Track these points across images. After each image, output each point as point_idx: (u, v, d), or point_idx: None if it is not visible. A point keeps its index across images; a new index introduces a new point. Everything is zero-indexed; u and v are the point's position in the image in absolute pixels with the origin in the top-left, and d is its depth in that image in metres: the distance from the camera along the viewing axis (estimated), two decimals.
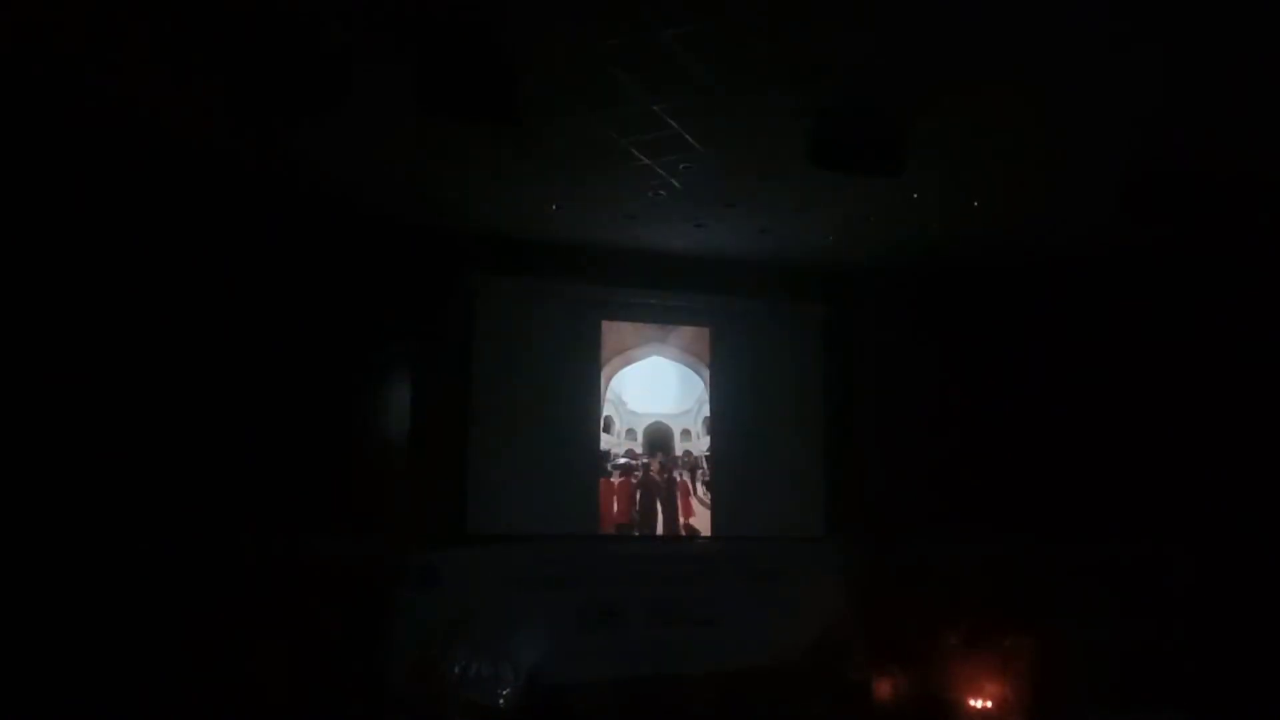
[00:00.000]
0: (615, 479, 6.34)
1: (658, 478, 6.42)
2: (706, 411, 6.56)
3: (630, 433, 6.44)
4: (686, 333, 6.62)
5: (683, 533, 6.44)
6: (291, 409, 5.34)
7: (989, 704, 5.68)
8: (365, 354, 5.72)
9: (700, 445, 6.52)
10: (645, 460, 6.43)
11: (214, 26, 3.31)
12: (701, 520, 6.46)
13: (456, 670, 5.46)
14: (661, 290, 6.43)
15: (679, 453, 6.51)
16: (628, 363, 6.51)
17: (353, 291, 5.64)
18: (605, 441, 6.35)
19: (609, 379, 6.43)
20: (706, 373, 6.61)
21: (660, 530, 6.40)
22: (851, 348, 6.74)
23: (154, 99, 3.97)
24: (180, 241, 5.08)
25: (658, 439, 6.49)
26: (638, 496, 6.38)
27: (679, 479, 6.48)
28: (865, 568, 6.31)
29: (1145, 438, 5.66)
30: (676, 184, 4.92)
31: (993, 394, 6.28)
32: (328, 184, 5.03)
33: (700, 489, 6.48)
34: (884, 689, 5.84)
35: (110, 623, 4.60)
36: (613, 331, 6.45)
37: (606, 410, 6.38)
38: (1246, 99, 3.79)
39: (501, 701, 5.47)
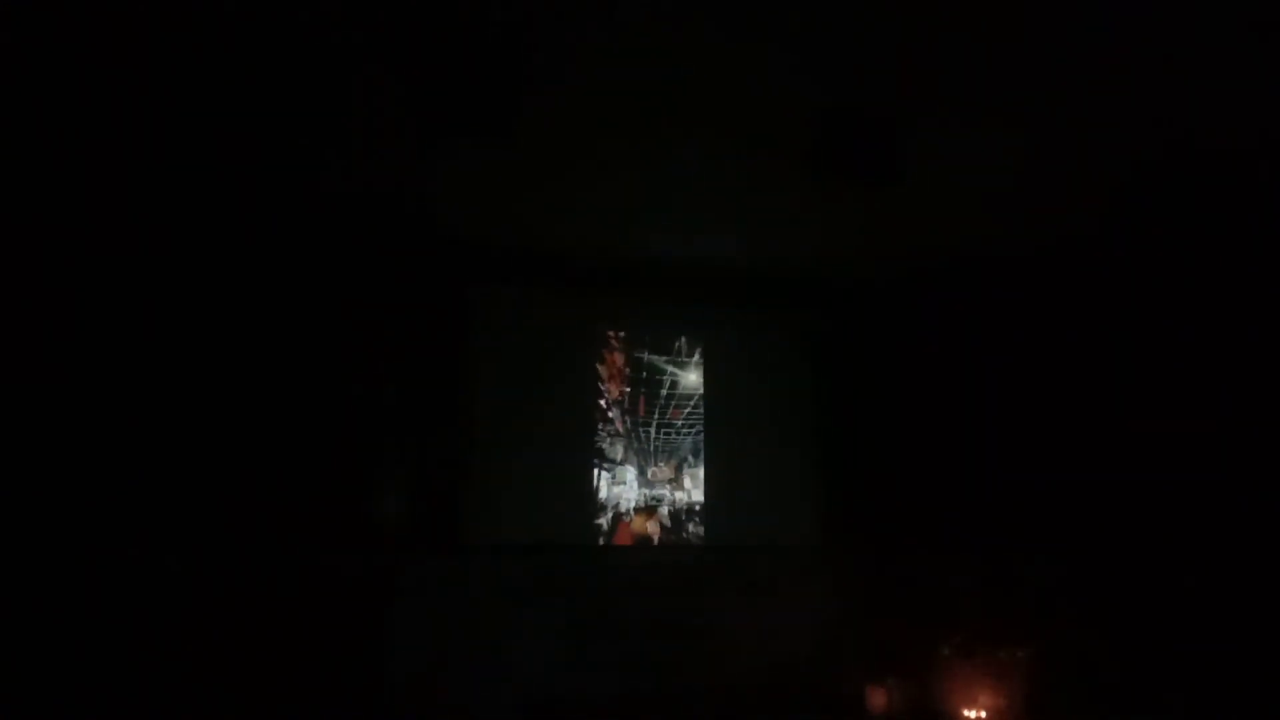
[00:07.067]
0: None
1: None
2: None
3: None
4: None
5: None
6: (284, 418, 5.30)
7: (983, 714, 5.66)
8: (359, 363, 5.70)
9: None
10: None
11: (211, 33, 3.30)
12: None
13: (449, 683, 5.42)
14: (656, 299, 6.44)
15: None
16: None
17: (347, 300, 5.62)
18: None
19: None
20: None
21: None
22: (845, 357, 6.75)
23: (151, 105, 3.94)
24: (179, 250, 5.07)
25: None
26: None
27: None
28: (859, 578, 6.31)
29: (1143, 447, 5.67)
30: (673, 193, 4.93)
31: (987, 403, 6.29)
32: (324, 191, 5.01)
33: None
34: (878, 699, 5.82)
35: (100, 635, 4.56)
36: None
37: None
38: (1242, 101, 3.82)
39: (495, 715, 5.44)
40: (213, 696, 4.73)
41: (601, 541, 6.21)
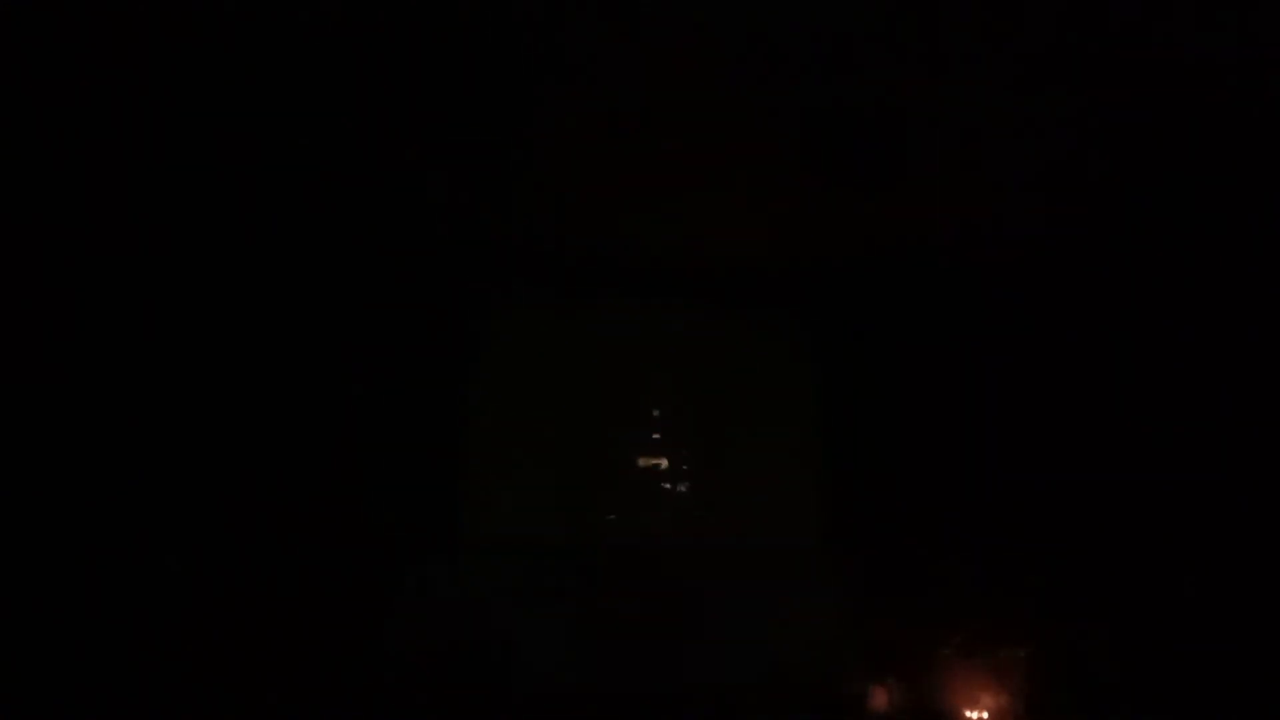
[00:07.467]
0: None
1: None
2: None
3: None
4: None
5: None
6: (283, 418, 5.30)
7: (983, 714, 5.66)
8: (359, 363, 5.70)
9: None
10: None
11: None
12: None
13: (449, 683, 5.42)
14: (656, 299, 6.44)
15: None
16: None
17: (347, 299, 5.62)
18: None
19: None
20: None
21: None
22: (846, 356, 6.75)
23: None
24: (178, 250, 5.07)
25: None
26: None
27: None
28: (859, 578, 6.30)
29: (1143, 447, 5.66)
30: (669, 189, 4.93)
31: (987, 403, 6.28)
32: (325, 191, 5.00)
33: None
34: (878, 699, 5.82)
35: (100, 635, 4.56)
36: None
37: None
38: (1243, 100, 3.82)
39: (495, 715, 5.43)
40: (213, 696, 4.73)
41: (602, 540, 6.20)
